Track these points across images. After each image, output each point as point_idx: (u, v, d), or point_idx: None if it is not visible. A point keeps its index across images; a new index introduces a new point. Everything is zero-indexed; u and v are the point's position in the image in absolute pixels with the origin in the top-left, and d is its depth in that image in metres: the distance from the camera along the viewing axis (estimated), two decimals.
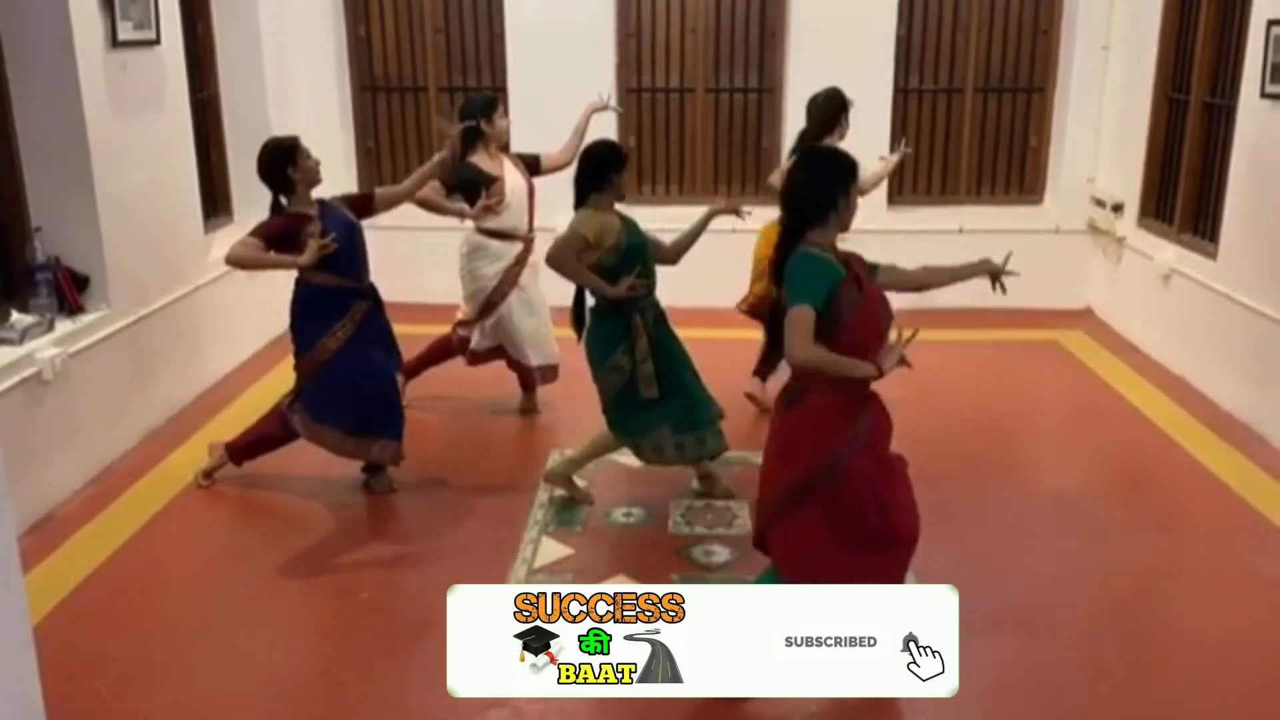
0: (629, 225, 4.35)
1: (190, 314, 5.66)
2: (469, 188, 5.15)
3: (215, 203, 6.48)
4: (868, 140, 7.17)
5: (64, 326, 4.68)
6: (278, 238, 4.29)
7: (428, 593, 3.87)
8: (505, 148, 5.33)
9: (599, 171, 4.29)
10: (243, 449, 4.66)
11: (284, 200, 4.39)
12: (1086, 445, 5.38)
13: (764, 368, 5.48)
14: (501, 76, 7.35)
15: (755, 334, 5.48)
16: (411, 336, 5.25)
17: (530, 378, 5.52)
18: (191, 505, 4.57)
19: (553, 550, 4.18)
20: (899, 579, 3.24)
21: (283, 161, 4.32)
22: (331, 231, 4.27)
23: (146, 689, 3.32)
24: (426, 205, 5.11)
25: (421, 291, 6.15)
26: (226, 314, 4.32)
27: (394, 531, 4.40)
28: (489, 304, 5.24)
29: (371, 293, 4.50)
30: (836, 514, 3.12)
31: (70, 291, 4.80)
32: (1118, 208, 6.97)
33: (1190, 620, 3.72)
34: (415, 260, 6.40)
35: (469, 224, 5.27)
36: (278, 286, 6.26)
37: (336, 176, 7.52)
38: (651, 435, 4.36)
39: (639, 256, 4.30)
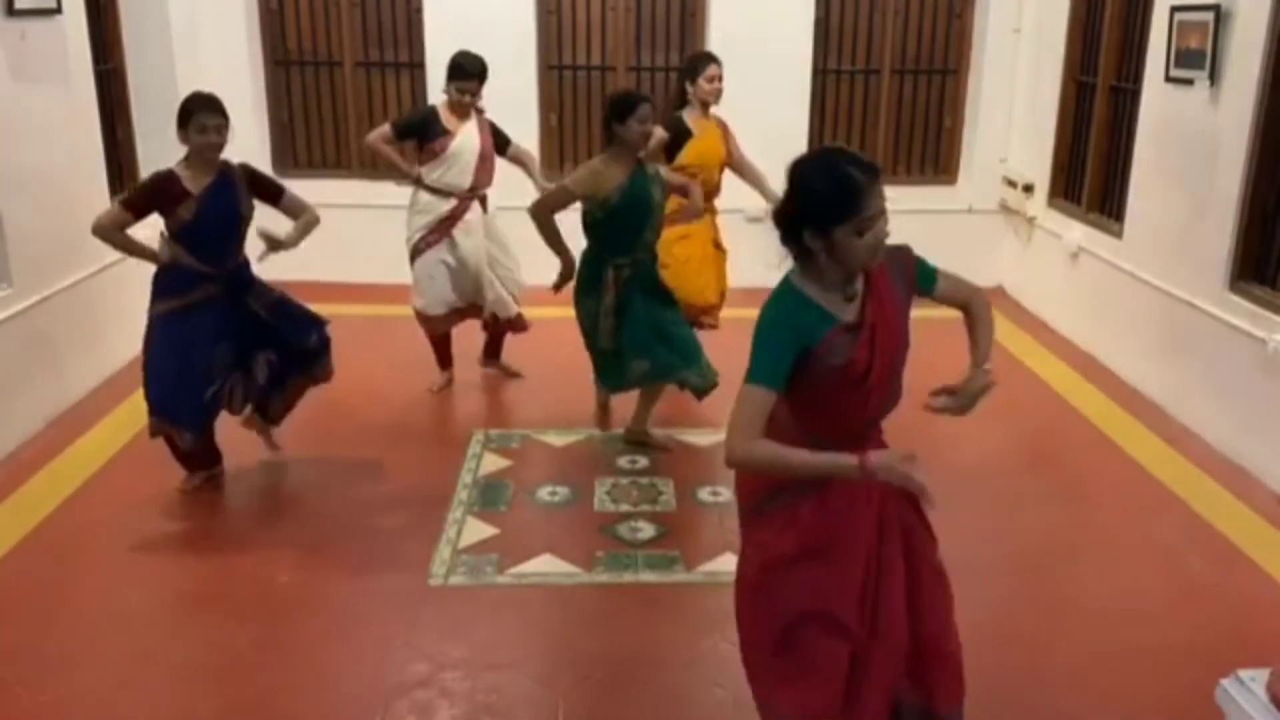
0: (638, 183, 4.33)
1: (96, 294, 5.47)
2: (419, 133, 5.13)
3: (122, 178, 6.27)
4: (788, 119, 7.29)
5: None
6: (146, 208, 4.03)
7: (349, 575, 3.83)
8: (466, 112, 5.15)
9: (605, 123, 4.36)
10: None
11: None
12: (998, 420, 5.51)
13: None
14: (420, 52, 7.24)
15: None
16: (349, 316, 5.18)
17: (494, 331, 5.57)
18: (100, 491, 4.43)
19: (478, 530, 4.16)
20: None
21: (178, 121, 4.05)
22: (204, 215, 4.03)
23: (59, 678, 3.22)
24: (376, 153, 5.17)
25: (358, 271, 6.08)
26: (135, 295, 4.18)
27: (315, 514, 4.32)
28: (413, 251, 5.25)
29: (231, 278, 4.21)
30: (757, 551, 2.48)
31: None
32: (1028, 188, 7.16)
33: (1097, 585, 3.86)
34: (355, 239, 6.33)
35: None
36: None
37: (249, 152, 7.29)
38: (622, 380, 4.62)
39: (632, 217, 4.32)
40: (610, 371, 4.63)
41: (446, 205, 5.18)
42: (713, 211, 5.47)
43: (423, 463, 4.77)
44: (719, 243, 5.52)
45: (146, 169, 6.49)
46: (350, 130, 7.53)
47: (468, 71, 5.08)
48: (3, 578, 3.79)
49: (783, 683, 2.43)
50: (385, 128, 5.17)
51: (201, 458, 4.41)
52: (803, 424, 2.32)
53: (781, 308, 2.25)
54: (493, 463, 4.73)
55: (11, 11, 4.71)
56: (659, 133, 5.25)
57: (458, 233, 5.21)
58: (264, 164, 7.36)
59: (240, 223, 4.21)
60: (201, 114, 4.01)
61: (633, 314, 4.44)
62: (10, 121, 4.73)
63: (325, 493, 4.50)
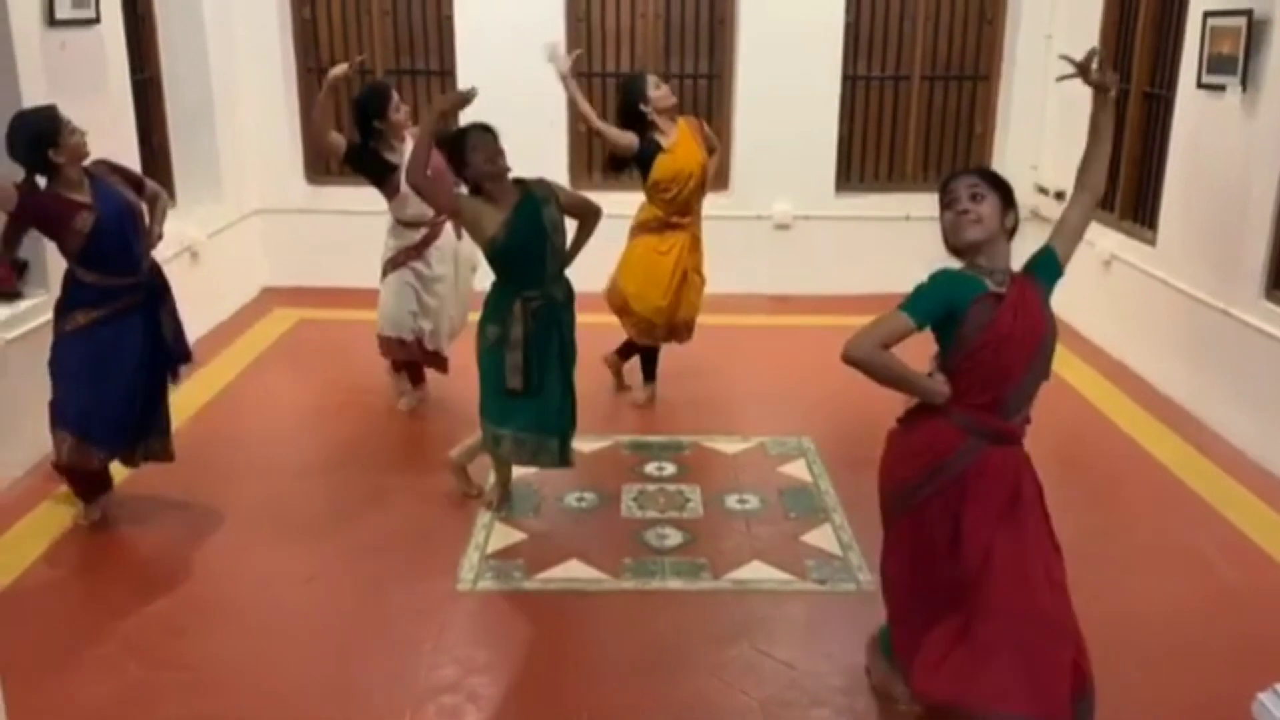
0: (526, 211, 3.93)
1: None
2: (370, 175, 5.06)
3: None
4: (817, 125, 7.29)
5: (1, 312, 4.57)
6: (38, 218, 3.78)
7: (377, 579, 3.86)
8: (401, 134, 5.06)
9: (455, 170, 4.01)
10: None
11: (41, 181, 3.83)
12: (1029, 427, 5.48)
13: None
14: (450, 60, 7.30)
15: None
16: (335, 321, 5.19)
17: (427, 363, 5.41)
18: (130, 498, 4.44)
19: (506, 535, 4.18)
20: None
21: (41, 144, 3.72)
22: (103, 222, 3.79)
23: (87, 680, 3.27)
24: (320, 140, 5.14)
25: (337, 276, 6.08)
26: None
27: (345, 519, 4.35)
28: (384, 268, 5.20)
29: (148, 282, 4.03)
30: (910, 540, 2.86)
31: (7, 276, 4.68)
32: (1060, 195, 7.09)
33: (1129, 593, 3.82)
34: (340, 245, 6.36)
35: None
36: (229, 268, 6.17)
37: (282, 159, 7.44)
38: (499, 425, 4.10)
39: (530, 248, 3.94)
40: (499, 411, 4.06)
41: (419, 234, 5.13)
42: (695, 234, 5.26)
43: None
44: (698, 269, 5.31)
45: (181, 176, 6.61)
46: None
47: (387, 85, 5.30)
48: (31, 582, 3.84)
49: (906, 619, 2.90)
50: (336, 135, 5.07)
51: (104, 484, 4.21)
52: (956, 396, 2.73)
53: (949, 272, 2.80)
54: (521, 468, 4.74)
55: (52, 22, 4.80)
56: (628, 137, 5.06)
57: (434, 258, 5.14)
58: (296, 172, 7.47)
59: (136, 217, 3.97)
60: (62, 120, 3.80)
61: (543, 353, 4.03)
62: None
63: (352, 496, 4.53)
